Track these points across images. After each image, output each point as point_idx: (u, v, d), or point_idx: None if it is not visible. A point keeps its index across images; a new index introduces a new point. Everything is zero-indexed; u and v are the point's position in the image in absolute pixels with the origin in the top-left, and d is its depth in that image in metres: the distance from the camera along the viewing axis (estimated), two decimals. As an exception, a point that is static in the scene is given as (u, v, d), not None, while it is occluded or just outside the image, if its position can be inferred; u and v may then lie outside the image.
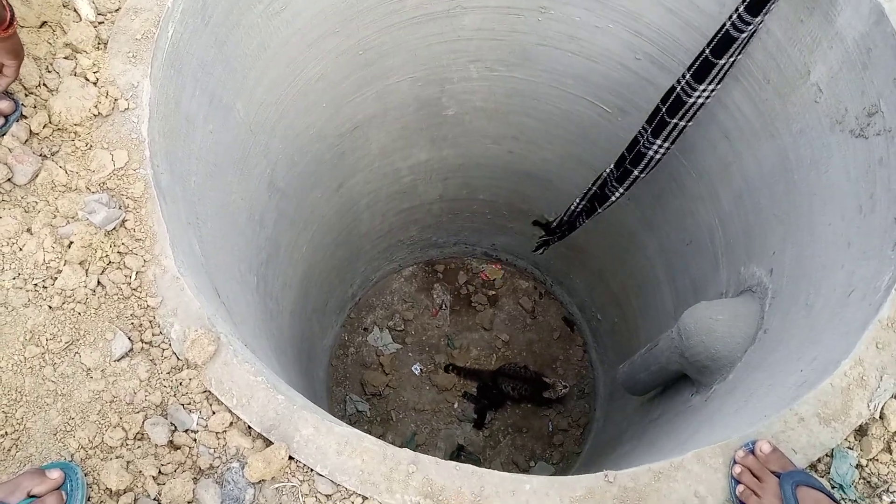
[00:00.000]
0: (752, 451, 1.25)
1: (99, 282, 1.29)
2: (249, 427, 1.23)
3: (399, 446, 1.23)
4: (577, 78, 2.53)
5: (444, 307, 3.97)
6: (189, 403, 1.24)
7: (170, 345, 1.27)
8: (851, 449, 1.30)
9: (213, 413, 1.23)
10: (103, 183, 1.36)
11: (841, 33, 1.74)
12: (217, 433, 1.22)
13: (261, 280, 2.26)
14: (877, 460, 1.29)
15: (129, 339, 1.26)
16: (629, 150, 2.27)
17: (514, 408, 3.72)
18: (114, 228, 1.32)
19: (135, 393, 1.23)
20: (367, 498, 1.18)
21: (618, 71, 2.40)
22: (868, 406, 1.31)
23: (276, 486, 1.19)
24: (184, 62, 1.59)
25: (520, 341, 3.90)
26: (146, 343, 1.27)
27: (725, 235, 2.31)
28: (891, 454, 1.29)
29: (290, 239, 2.56)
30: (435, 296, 4.00)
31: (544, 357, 3.86)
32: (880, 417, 1.31)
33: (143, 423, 1.20)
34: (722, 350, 1.97)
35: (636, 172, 2.26)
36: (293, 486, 1.19)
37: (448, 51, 2.48)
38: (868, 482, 1.28)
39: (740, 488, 1.21)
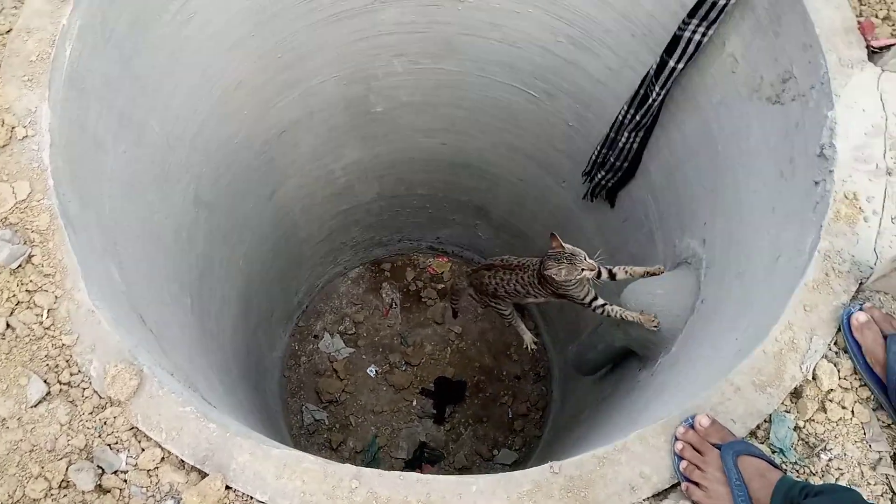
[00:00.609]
0: (692, 426, 1.25)
1: (7, 324, 1.22)
2: (182, 460, 1.19)
3: (361, 450, 1.21)
4: (502, 65, 2.51)
5: (394, 306, 3.94)
6: (116, 443, 1.19)
7: (90, 383, 1.21)
8: (788, 412, 1.32)
9: (143, 450, 1.18)
10: (5, 218, 1.29)
11: (751, 2, 1.76)
12: (148, 471, 1.17)
13: (195, 299, 2.19)
14: (813, 421, 1.31)
15: (44, 381, 1.19)
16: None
17: (473, 398, 3.72)
18: (20, 265, 1.25)
19: (56, 439, 1.17)
20: (311, 518, 1.15)
21: (541, 55, 2.40)
22: (801, 368, 1.33)
23: (216, 517, 1.15)
24: (86, 82, 1.52)
25: (473, 332, 3.89)
26: (64, 384, 1.21)
27: (659, 210, 2.34)
28: (826, 413, 1.31)
29: (225, 253, 2.49)
30: (384, 295, 3.96)
31: (498, 345, 3.86)
32: (813, 378, 1.33)
33: (66, 469, 1.15)
34: (663, 323, 1.99)
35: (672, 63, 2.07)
36: (233, 515, 1.15)
37: (370, 47, 2.44)
38: (806, 443, 1.30)
39: (683, 464, 1.21)
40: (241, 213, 2.57)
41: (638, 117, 2.15)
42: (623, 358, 2.44)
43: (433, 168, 3.23)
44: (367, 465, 1.22)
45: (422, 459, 3.46)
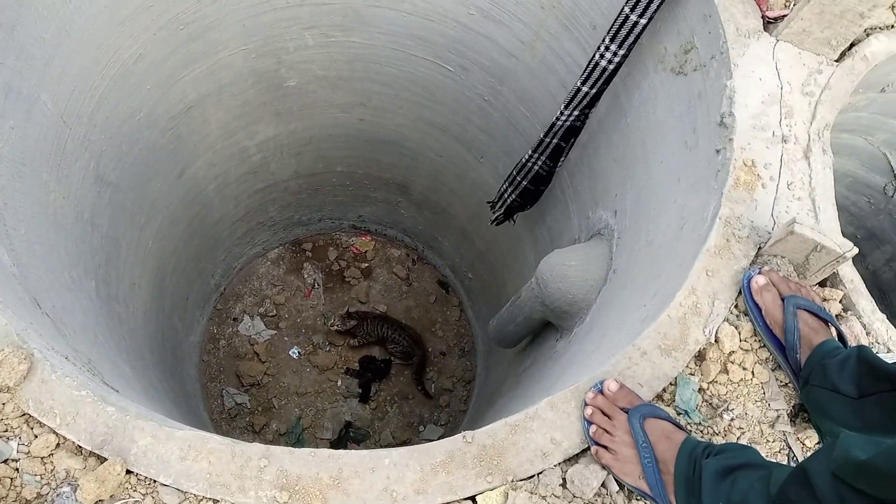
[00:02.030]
0: (601, 391, 1.28)
1: None
2: (79, 446, 1.13)
3: (285, 433, 1.17)
4: (415, 38, 2.48)
5: (316, 286, 3.88)
6: (6, 430, 1.12)
7: (-25, 370, 1.14)
8: (693, 375, 1.37)
9: (36, 437, 1.12)
10: None
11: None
12: (42, 458, 1.12)
13: (101, 283, 2.09)
14: (716, 382, 1.36)
15: (-78, 369, 1.11)
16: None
17: (399, 376, 3.72)
18: None
19: (-62, 429, 1.09)
20: (218, 501, 1.12)
21: (454, 28, 2.38)
22: (704, 332, 1.38)
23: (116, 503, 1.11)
24: (-40, 52, 1.42)
25: (398, 309, 3.88)
26: (-55, 372, 1.13)
27: (573, 183, 2.37)
28: (728, 374, 1.36)
29: (132, 235, 2.39)
30: (306, 275, 3.89)
31: (424, 321, 3.87)
32: (716, 341, 1.38)
33: (-49, 460, 1.08)
34: (577, 294, 2.03)
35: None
36: (135, 500, 1.11)
37: (279, 19, 2.36)
38: (710, 404, 1.35)
39: (593, 429, 1.24)
40: (149, 192, 2.46)
41: (543, 136, 2.18)
42: (542, 329, 2.48)
43: (352, 145, 3.18)
44: (293, 447, 1.19)
45: (347, 439, 3.44)
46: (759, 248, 1.46)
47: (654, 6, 1.68)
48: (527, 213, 2.78)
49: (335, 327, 3.57)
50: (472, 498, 1.19)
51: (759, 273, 1.39)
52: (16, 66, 1.62)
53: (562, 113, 2.01)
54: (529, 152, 2.25)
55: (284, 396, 3.51)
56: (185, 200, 2.76)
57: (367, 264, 3.98)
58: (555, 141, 2.14)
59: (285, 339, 3.67)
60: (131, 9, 1.96)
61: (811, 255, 1.42)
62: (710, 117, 1.63)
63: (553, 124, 2.08)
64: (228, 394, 3.40)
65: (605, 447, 1.22)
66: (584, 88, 1.91)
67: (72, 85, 1.86)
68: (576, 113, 2.00)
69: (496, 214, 2.61)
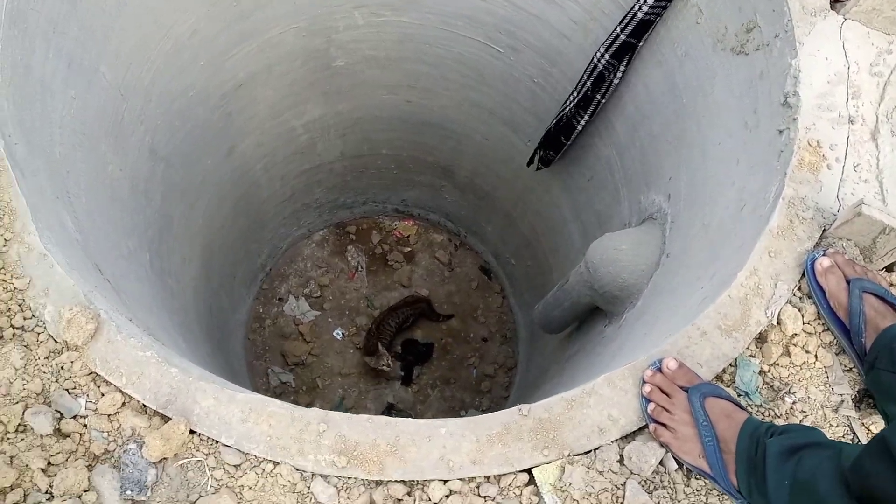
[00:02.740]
0: (660, 370, 1.26)
1: (-47, 268, 1.17)
2: (144, 405, 1.16)
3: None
4: (465, 18, 2.47)
5: (359, 269, 3.90)
6: (74, 388, 1.15)
7: (45, 328, 1.17)
8: (753, 357, 1.34)
9: (102, 395, 1.15)
10: (-53, 159, 1.22)
11: (715, -49, 1.75)
12: (109, 416, 1.14)
13: (155, 256, 2.13)
14: (777, 365, 1.33)
15: (-4, 326, 1.15)
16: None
17: (441, 360, 3.72)
18: (-36, 208, 1.19)
19: (10, 383, 1.12)
20: (278, 463, 1.13)
21: (505, 8, 2.36)
22: (765, 313, 1.35)
23: (180, 462, 1.13)
24: (29, 21, 1.44)
25: (439, 294, 3.88)
26: (17, 328, 1.16)
27: (624, 167, 2.34)
28: (790, 357, 1.33)
29: (183, 211, 2.43)
30: (349, 258, 3.92)
31: (465, 307, 3.86)
32: (778, 323, 1.35)
33: (23, 413, 1.11)
34: (628, 278, 2.00)
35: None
36: (198, 460, 1.13)
37: (330, -3, 2.37)
38: (771, 386, 1.32)
39: (651, 406, 1.22)
40: (200, 169, 2.50)
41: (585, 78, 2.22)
42: (589, 315, 2.46)
43: (398, 127, 3.18)
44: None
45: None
46: (824, 229, 1.42)
47: None
48: (573, 197, 2.75)
49: (379, 365, 3.53)
50: (528, 470, 1.18)
51: (824, 255, 1.36)
52: (78, 37, 1.65)
53: (601, 56, 2.07)
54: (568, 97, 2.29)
55: (328, 377, 3.54)
56: (233, 178, 2.79)
57: (409, 248, 3.99)
58: (589, 83, 2.17)
59: (329, 320, 3.70)
60: (188, -17, 1.98)
61: (879, 237, 1.38)
62: (772, 97, 1.59)
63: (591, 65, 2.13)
64: (274, 372, 3.45)
65: (663, 425, 1.21)
66: (622, 36, 1.95)
67: (129, 58, 1.89)
68: (609, 59, 2.05)
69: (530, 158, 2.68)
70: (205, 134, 2.42)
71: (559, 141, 2.44)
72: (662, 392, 1.23)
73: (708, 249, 1.67)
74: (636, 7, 1.89)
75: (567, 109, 2.29)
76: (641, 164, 2.23)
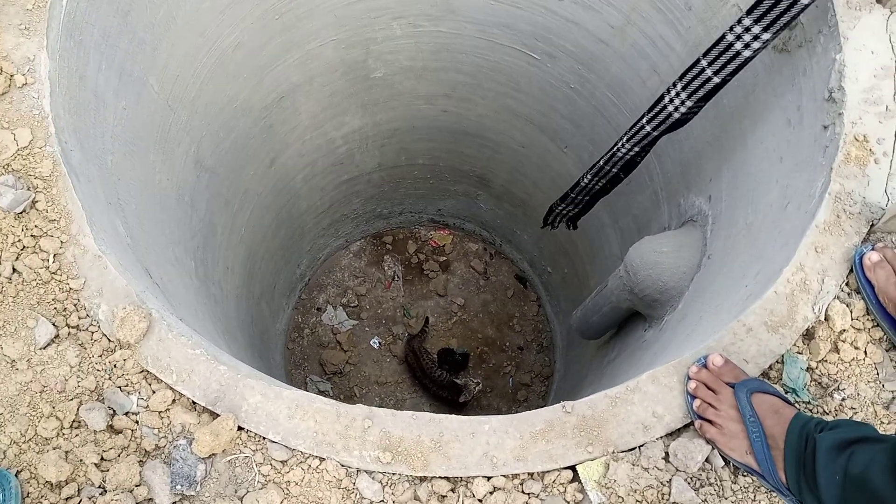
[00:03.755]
0: (705, 366, 1.25)
1: (14, 268, 1.21)
2: (193, 402, 1.18)
3: None
4: (502, 27, 2.49)
5: (396, 278, 3.93)
6: (126, 385, 1.18)
7: (98, 326, 1.20)
8: (801, 353, 1.32)
9: (154, 392, 1.18)
10: (7, 164, 1.27)
11: (755, -51, 1.74)
12: (160, 412, 1.17)
13: (199, 264, 2.18)
14: (826, 361, 1.31)
15: (53, 324, 1.19)
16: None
17: (476, 369, 3.72)
18: (23, 210, 1.24)
19: (66, 380, 1.16)
20: (324, 459, 1.15)
21: (542, 15, 2.37)
22: (813, 309, 1.33)
23: (228, 458, 1.15)
24: (84, 33, 1.50)
25: (475, 303, 3.89)
26: (72, 327, 1.20)
27: (662, 170, 2.32)
28: (838, 353, 1.31)
29: (227, 220, 2.48)
30: (386, 268, 3.95)
31: (501, 316, 3.86)
32: (825, 319, 1.33)
33: (77, 409, 1.14)
34: (669, 281, 1.99)
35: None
36: (246, 456, 1.15)
37: (369, 9, 2.41)
38: (819, 383, 1.30)
39: (697, 402, 1.21)
40: (243, 180, 2.55)
41: (602, 163, 2.12)
42: (627, 320, 2.44)
43: (434, 136, 3.20)
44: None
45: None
46: (872, 224, 1.40)
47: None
48: (610, 202, 2.74)
49: (471, 396, 3.50)
50: (572, 467, 1.18)
51: (873, 249, 1.33)
52: (129, 50, 1.71)
53: (622, 144, 1.97)
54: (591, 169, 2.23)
55: (365, 385, 3.56)
56: (274, 189, 2.84)
57: (445, 258, 4.01)
58: (614, 170, 2.10)
59: (366, 329, 3.73)
60: (231, -2, 2.04)
61: (929, 232, 1.35)
62: (816, 93, 1.57)
63: (613, 153, 2.04)
64: (312, 381, 3.48)
65: (709, 421, 1.19)
66: (648, 128, 1.86)
67: (176, 70, 1.95)
68: (636, 149, 1.95)
69: (548, 223, 2.62)
70: (248, 145, 2.48)
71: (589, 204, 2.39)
72: (708, 388, 1.22)
73: (751, 249, 1.65)
74: (669, 106, 1.75)
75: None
76: (681, 166, 2.22)
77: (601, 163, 2.11)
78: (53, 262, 1.22)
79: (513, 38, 2.53)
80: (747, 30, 1.53)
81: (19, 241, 1.22)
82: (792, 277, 1.34)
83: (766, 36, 1.51)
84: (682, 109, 1.73)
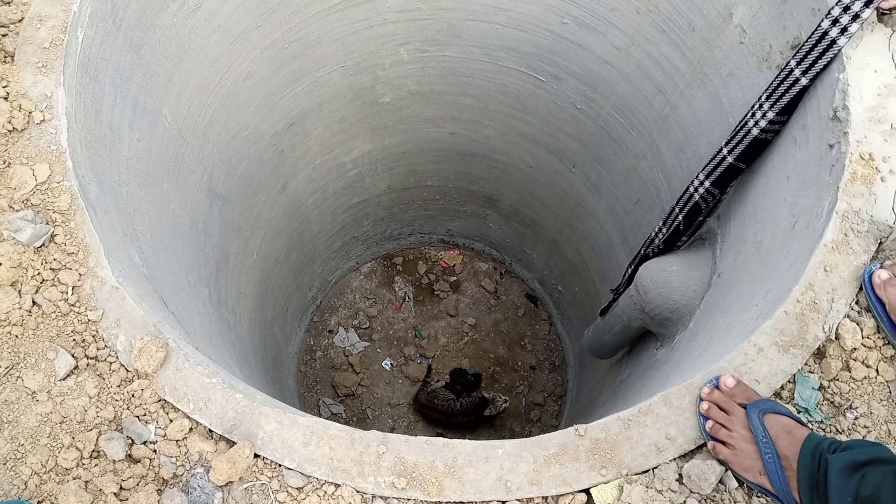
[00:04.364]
0: (717, 387, 1.25)
1: (34, 301, 1.24)
2: (210, 430, 1.20)
3: None
4: (507, 50, 2.52)
5: (407, 299, 3.95)
6: (144, 414, 1.20)
7: (117, 357, 1.22)
8: (812, 373, 1.32)
9: (171, 421, 1.19)
10: (27, 199, 1.30)
11: (756, -29, 1.76)
12: (177, 441, 1.18)
13: (213, 290, 2.20)
14: (837, 380, 1.31)
15: (72, 356, 1.21)
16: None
17: (488, 389, 3.72)
18: (43, 244, 1.26)
19: (85, 410, 1.18)
20: (339, 485, 1.16)
21: (547, 38, 2.40)
22: (823, 329, 1.33)
23: (245, 486, 1.16)
24: (99, 69, 1.54)
25: (486, 323, 3.90)
26: (91, 358, 1.22)
27: (671, 189, 2.33)
28: (850, 372, 1.31)
29: (239, 246, 2.51)
30: (397, 289, 3.97)
31: (512, 335, 3.86)
32: (836, 338, 1.33)
33: (97, 440, 1.16)
34: (680, 300, 1.99)
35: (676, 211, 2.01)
36: (262, 483, 1.16)
37: (376, 36, 2.45)
38: (832, 402, 1.30)
39: (709, 424, 1.21)
40: (254, 206, 2.58)
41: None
42: (639, 339, 2.44)
43: (443, 158, 3.23)
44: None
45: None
46: (881, 242, 1.40)
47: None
48: (620, 221, 2.76)
49: (497, 410, 3.51)
50: (586, 491, 1.18)
51: (881, 267, 1.33)
52: (142, 83, 1.75)
53: (700, 183, 1.88)
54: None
55: (378, 407, 3.57)
56: (286, 214, 2.87)
57: (455, 278, 4.02)
58: (681, 216, 2.00)
59: (378, 350, 3.74)
60: (242, 28, 2.08)
61: (937, 249, 1.36)
62: (821, 112, 1.59)
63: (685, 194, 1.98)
64: (325, 404, 3.49)
65: (722, 442, 1.19)
66: (729, 157, 1.79)
67: (189, 101, 1.98)
68: (709, 186, 1.86)
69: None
70: (259, 171, 2.51)
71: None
72: (721, 409, 1.22)
73: (761, 267, 1.65)
74: (749, 123, 1.71)
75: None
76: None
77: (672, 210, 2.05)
78: (72, 294, 1.25)
79: (518, 61, 2.56)
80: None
81: (39, 274, 1.25)
82: (801, 297, 1.35)
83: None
84: (763, 124, 1.69)
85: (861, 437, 1.26)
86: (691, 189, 1.90)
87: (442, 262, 4.06)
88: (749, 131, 1.72)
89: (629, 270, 2.24)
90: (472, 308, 3.94)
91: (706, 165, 1.84)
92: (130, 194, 1.65)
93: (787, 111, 1.65)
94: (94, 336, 1.23)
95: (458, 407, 3.46)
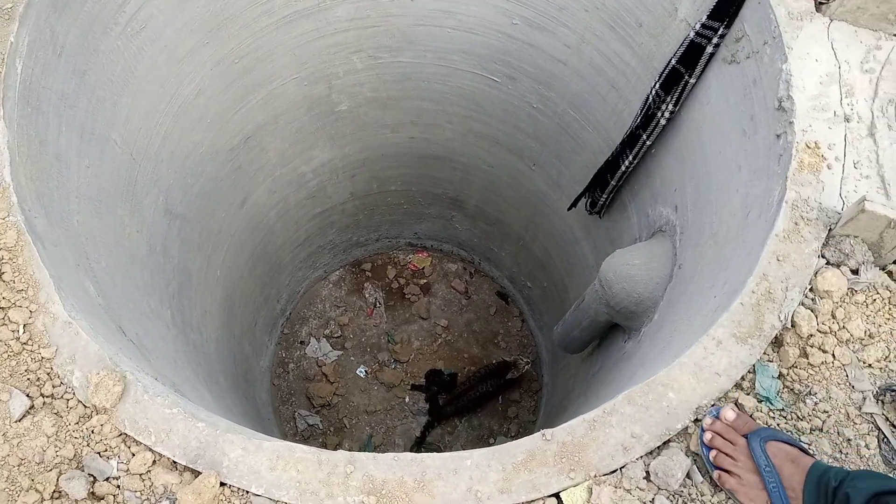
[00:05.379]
0: (718, 418, 1.25)
1: (-16, 343, 1.21)
2: (174, 461, 1.18)
3: (358, 451, 1.20)
4: (461, 53, 2.52)
5: (377, 305, 3.93)
6: (105, 450, 1.18)
7: (73, 393, 1.20)
8: (771, 361, 1.34)
9: (133, 455, 1.18)
10: (-29, 239, 1.27)
11: (697, -35, 1.79)
12: (141, 475, 1.17)
13: (176, 312, 2.17)
14: (796, 367, 1.33)
15: (27, 395, 1.18)
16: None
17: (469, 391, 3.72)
18: (-10, 284, 1.24)
19: (44, 451, 1.16)
20: (308, 508, 1.15)
21: (498, 39, 2.41)
22: (779, 318, 1.35)
23: (213, 515, 1.15)
24: (41, 98, 1.51)
25: (459, 324, 3.90)
26: (47, 396, 1.20)
27: (630, 181, 2.35)
28: (807, 359, 1.33)
29: (201, 264, 2.48)
30: (367, 295, 3.95)
31: (485, 334, 3.87)
32: (792, 326, 1.35)
33: (57, 480, 1.14)
34: (643, 292, 2.01)
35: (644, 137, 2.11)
36: (230, 511, 1.15)
37: (327, 45, 2.43)
38: (791, 390, 1.32)
39: (713, 453, 1.21)
40: (215, 222, 2.55)
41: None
42: (609, 332, 2.46)
43: (404, 163, 3.23)
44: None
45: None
46: (830, 229, 1.43)
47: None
48: (582, 215, 2.77)
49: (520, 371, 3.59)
50: (556, 495, 1.19)
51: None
52: (88, 109, 1.71)
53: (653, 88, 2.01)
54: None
55: (355, 416, 3.56)
56: (248, 228, 2.84)
57: (425, 280, 4.02)
58: (639, 119, 2.10)
59: (351, 358, 3.72)
60: (189, 46, 2.05)
61: (885, 232, 1.38)
62: (767, 103, 1.61)
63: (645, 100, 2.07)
64: (301, 416, 3.47)
65: (727, 472, 1.20)
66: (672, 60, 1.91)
67: (139, 123, 1.95)
68: (658, 90, 1.98)
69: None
70: (217, 188, 2.48)
71: (605, 179, 2.35)
72: (724, 439, 1.22)
73: (718, 258, 1.68)
74: (691, 33, 1.83)
75: (616, 149, 2.24)
76: (646, 177, 2.25)
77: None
78: (24, 332, 1.22)
79: (472, 63, 2.57)
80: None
81: (-12, 314, 1.22)
82: (756, 287, 1.37)
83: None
84: (697, 28, 1.80)
85: (822, 423, 1.28)
86: (649, 95, 2.03)
87: (411, 265, 4.05)
88: (687, 37, 1.82)
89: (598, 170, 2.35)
90: (443, 309, 3.95)
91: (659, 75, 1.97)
92: (82, 223, 1.62)
93: (718, 17, 1.73)
94: (48, 374, 1.21)
95: (481, 373, 3.56)
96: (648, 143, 2.05)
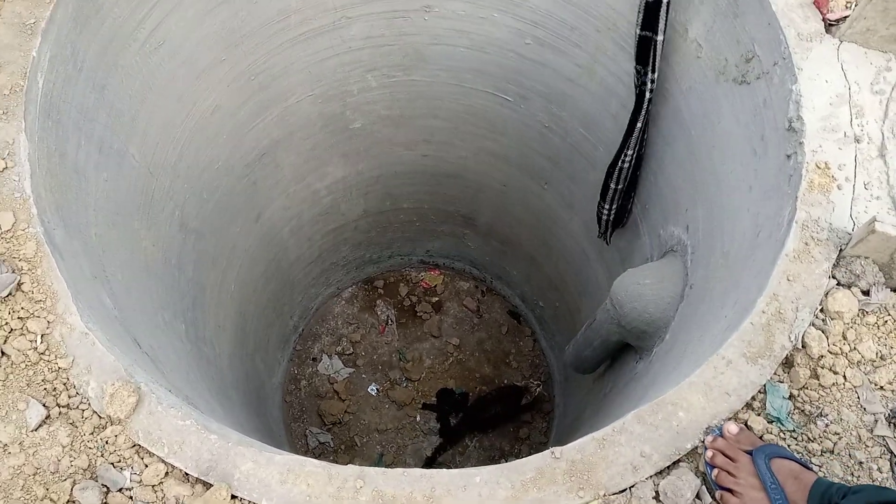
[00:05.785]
0: (721, 435, 1.25)
1: (2, 352, 1.23)
2: (186, 473, 1.19)
3: None
4: (473, 72, 2.55)
5: (389, 322, 3.94)
6: (119, 461, 1.19)
7: (89, 404, 1.22)
8: (781, 382, 1.34)
9: (146, 466, 1.19)
10: (-8, 250, 1.30)
11: (709, -12, 1.81)
12: (153, 486, 1.18)
13: (190, 326, 2.20)
14: (807, 388, 1.33)
15: (43, 405, 1.20)
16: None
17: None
18: (9, 294, 1.26)
19: (58, 460, 1.17)
20: (317, 521, 1.16)
21: (511, 59, 2.44)
22: (789, 338, 1.35)
23: (223, 527, 1.15)
24: (62, 112, 1.54)
25: (470, 342, 3.90)
26: (63, 406, 1.21)
27: (640, 202, 2.36)
28: (818, 380, 1.33)
29: (215, 279, 2.50)
30: (379, 313, 3.96)
31: (497, 353, 3.87)
32: (803, 346, 1.35)
33: (72, 490, 1.15)
34: (654, 312, 2.01)
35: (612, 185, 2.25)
36: (240, 523, 1.16)
37: (342, 63, 2.47)
38: (802, 411, 1.32)
39: (715, 472, 1.20)
40: (229, 237, 2.58)
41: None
42: (620, 352, 2.46)
43: (417, 181, 3.25)
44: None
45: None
46: (841, 250, 1.43)
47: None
48: (592, 233, 2.78)
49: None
50: (565, 513, 1.19)
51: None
52: (107, 123, 1.75)
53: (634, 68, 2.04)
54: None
55: (366, 434, 3.55)
56: (262, 243, 2.87)
57: (437, 298, 4.03)
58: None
59: (363, 376, 3.73)
60: (206, 62, 2.09)
61: (896, 253, 1.38)
62: (777, 123, 1.62)
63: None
64: (312, 433, 3.47)
65: (730, 490, 1.19)
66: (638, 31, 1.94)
67: (156, 137, 1.99)
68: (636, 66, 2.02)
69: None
70: (232, 203, 2.51)
71: (606, 186, 2.34)
72: (726, 456, 1.22)
73: (729, 277, 1.68)
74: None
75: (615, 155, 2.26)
76: (657, 197, 2.26)
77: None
78: (41, 342, 1.24)
79: (485, 83, 2.59)
80: None
81: (6, 324, 1.24)
82: (767, 307, 1.37)
83: None
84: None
85: (833, 444, 1.28)
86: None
87: (423, 283, 4.06)
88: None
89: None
90: (455, 328, 3.95)
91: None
92: (99, 235, 1.64)
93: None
94: (64, 384, 1.23)
95: (492, 394, 3.59)
96: (639, 125, 2.08)
